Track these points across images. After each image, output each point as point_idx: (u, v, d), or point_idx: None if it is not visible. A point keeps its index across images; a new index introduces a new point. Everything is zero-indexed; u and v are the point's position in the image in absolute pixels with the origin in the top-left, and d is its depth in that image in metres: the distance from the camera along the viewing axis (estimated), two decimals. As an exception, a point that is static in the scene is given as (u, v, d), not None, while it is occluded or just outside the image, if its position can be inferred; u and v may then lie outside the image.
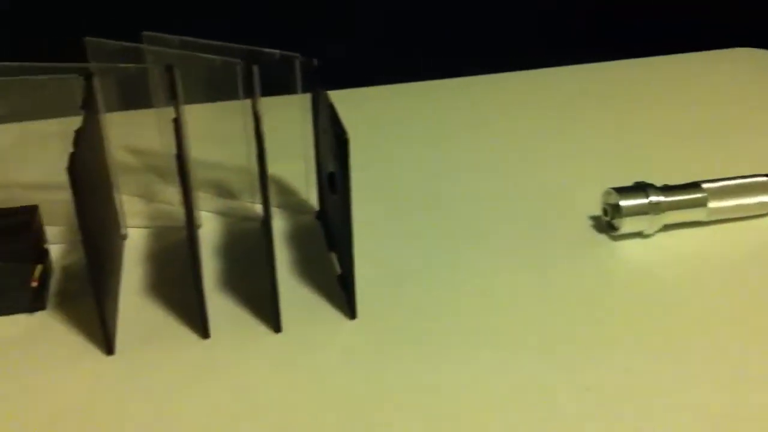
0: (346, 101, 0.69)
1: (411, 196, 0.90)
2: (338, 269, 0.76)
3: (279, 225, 0.84)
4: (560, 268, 0.76)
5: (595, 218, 0.83)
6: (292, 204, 0.88)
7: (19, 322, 0.69)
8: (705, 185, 0.81)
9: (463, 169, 0.96)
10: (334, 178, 0.72)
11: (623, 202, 0.78)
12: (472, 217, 0.86)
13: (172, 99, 0.69)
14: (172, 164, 0.86)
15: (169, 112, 0.80)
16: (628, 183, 0.81)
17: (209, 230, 0.83)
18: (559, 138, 1.04)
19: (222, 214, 0.86)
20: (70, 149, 0.61)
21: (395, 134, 1.07)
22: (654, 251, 0.79)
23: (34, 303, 0.70)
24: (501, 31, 1.29)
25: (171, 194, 0.88)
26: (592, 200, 0.83)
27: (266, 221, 0.65)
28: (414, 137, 1.06)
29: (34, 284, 0.69)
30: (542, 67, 1.24)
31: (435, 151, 1.01)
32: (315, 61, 0.76)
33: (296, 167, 0.86)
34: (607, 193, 0.80)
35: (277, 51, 0.78)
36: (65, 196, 0.85)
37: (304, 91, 0.80)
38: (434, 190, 0.91)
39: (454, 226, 0.84)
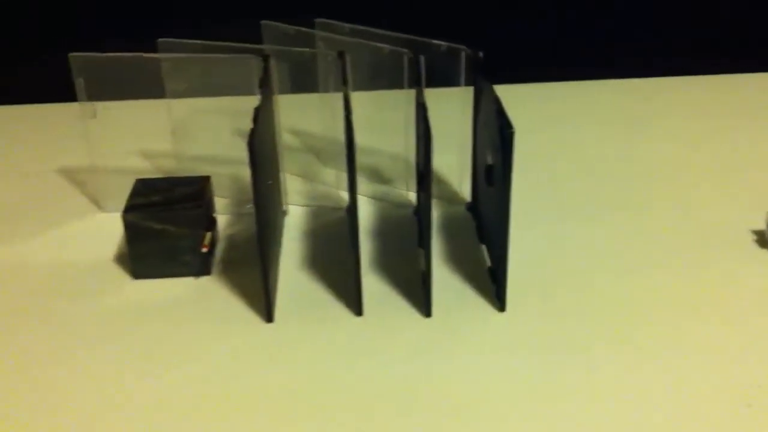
0: (508, 96, 0.70)
1: (568, 194, 0.90)
2: (488, 261, 0.77)
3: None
4: (717, 280, 0.74)
5: (758, 233, 0.80)
6: (445, 194, 0.89)
7: (187, 284, 0.74)
8: None
9: (624, 171, 0.95)
10: (492, 171, 0.73)
11: (792, 218, 0.75)
12: (629, 220, 0.84)
13: (343, 84, 0.72)
14: (333, 147, 0.90)
15: (333, 98, 0.83)
16: (798, 198, 0.77)
17: (363, 213, 0.85)
18: (730, 146, 1.00)
19: (375, 198, 0.89)
20: (240, 125, 0.64)
21: (555, 131, 1.06)
22: (821, 271, 0.75)
23: (201, 268, 0.74)
24: (679, 35, 1.25)
25: (329, 176, 0.91)
26: (757, 214, 0.80)
27: (426, 210, 0.66)
28: (576, 135, 1.05)
29: (204, 250, 0.73)
30: (725, 74, 1.20)
31: (597, 151, 1.00)
32: (480, 54, 0.77)
33: (451, 159, 0.87)
34: (774, 207, 0.77)
35: (444, 42, 0.80)
36: (232, 169, 0.90)
37: (467, 83, 0.80)
38: (593, 191, 0.90)
39: (610, 227, 0.83)
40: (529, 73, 1.17)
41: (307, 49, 0.81)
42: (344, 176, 0.85)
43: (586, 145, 1.02)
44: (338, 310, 0.70)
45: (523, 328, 0.68)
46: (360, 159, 0.89)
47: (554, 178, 0.94)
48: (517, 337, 0.67)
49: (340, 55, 0.76)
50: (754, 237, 0.80)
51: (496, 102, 0.68)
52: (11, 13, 1.10)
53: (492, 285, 0.73)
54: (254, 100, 0.70)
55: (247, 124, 0.65)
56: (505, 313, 0.70)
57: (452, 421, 0.59)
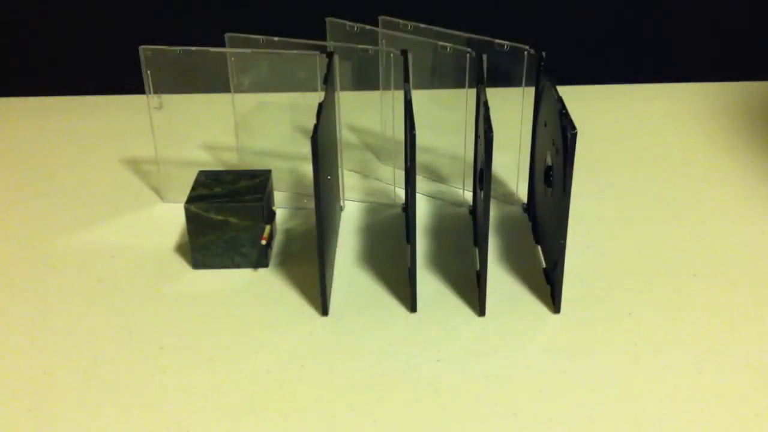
0: (568, 96, 0.69)
1: (626, 197, 0.89)
2: (543, 262, 0.76)
3: (487, 213, 0.85)
4: (780, 289, 0.73)
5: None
6: (501, 194, 0.89)
7: (245, 276, 0.75)
8: None
9: (687, 175, 0.93)
10: (551, 172, 0.72)
11: None
12: (691, 224, 0.83)
13: (405, 82, 0.72)
14: (391, 145, 0.90)
15: (392, 95, 0.84)
16: None
17: (419, 211, 0.85)
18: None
19: (431, 196, 0.89)
20: (301, 120, 0.65)
21: (618, 134, 1.05)
22: None
23: (260, 260, 0.76)
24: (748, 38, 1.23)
25: (386, 172, 0.92)
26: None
27: (485, 209, 0.66)
28: (637, 138, 1.03)
29: (263, 242, 0.75)
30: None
31: (659, 154, 0.99)
32: (543, 54, 0.77)
33: (508, 158, 0.87)
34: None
35: (506, 42, 0.80)
36: (292, 164, 0.91)
37: (528, 83, 0.80)
38: (653, 194, 0.89)
39: (670, 231, 0.82)
40: (590, 74, 1.16)
41: (370, 47, 0.81)
42: (401, 173, 0.86)
43: (647, 148, 1.00)
44: (392, 305, 0.71)
45: (577, 331, 0.68)
46: (418, 156, 0.89)
47: (617, 179, 0.93)
48: (572, 339, 0.67)
49: (403, 53, 0.76)
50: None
51: (560, 102, 0.68)
52: (83, 5, 1.13)
53: (547, 286, 0.73)
54: (317, 96, 0.71)
55: (309, 120, 0.66)
56: (559, 314, 0.70)
57: (503, 418, 0.59)
